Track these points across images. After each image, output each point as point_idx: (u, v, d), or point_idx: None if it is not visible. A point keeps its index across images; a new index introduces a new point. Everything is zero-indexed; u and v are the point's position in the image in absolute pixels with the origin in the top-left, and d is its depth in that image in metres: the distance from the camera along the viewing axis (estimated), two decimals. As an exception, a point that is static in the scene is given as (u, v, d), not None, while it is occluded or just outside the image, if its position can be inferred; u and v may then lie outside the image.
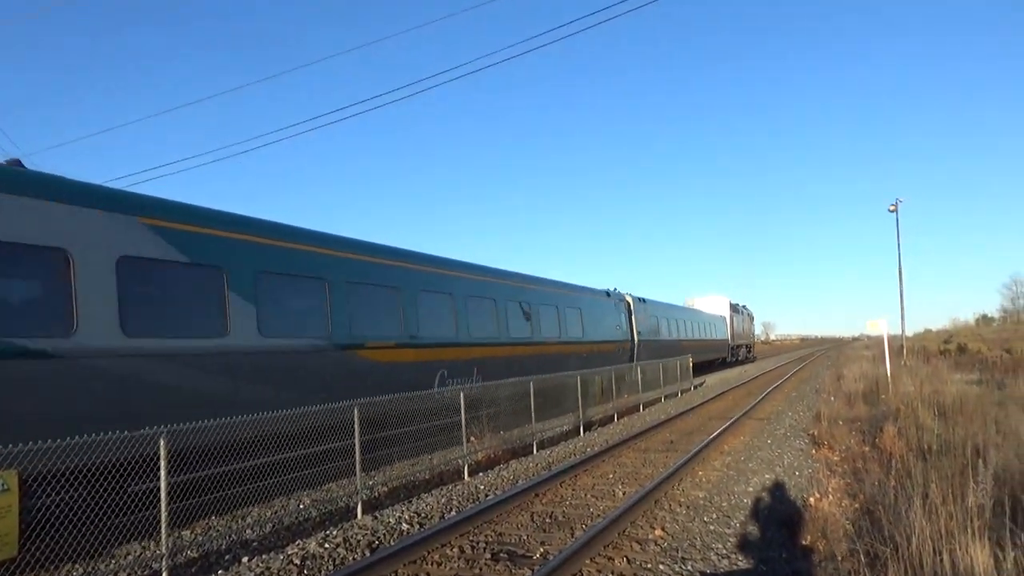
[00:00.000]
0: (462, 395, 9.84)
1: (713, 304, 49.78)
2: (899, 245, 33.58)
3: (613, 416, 18.20)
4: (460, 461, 10.88)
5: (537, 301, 17.72)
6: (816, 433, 13.81)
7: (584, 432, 15.87)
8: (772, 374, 38.11)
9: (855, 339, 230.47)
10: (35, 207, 5.51)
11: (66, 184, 6.21)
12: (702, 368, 43.56)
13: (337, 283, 10.01)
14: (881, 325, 21.24)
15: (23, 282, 5.20)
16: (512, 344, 15.91)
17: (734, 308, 54.19)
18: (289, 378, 8.51)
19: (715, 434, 13.83)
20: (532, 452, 13.00)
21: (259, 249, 8.62)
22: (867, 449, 11.10)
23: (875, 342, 77.13)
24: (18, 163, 6.76)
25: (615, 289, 26.67)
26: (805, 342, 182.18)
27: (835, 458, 11.29)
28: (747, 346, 59.63)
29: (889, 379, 19.83)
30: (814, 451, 12.22)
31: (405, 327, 11.56)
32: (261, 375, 8.02)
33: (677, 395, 25.12)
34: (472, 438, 11.65)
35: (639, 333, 28.46)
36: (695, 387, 28.43)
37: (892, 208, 32.87)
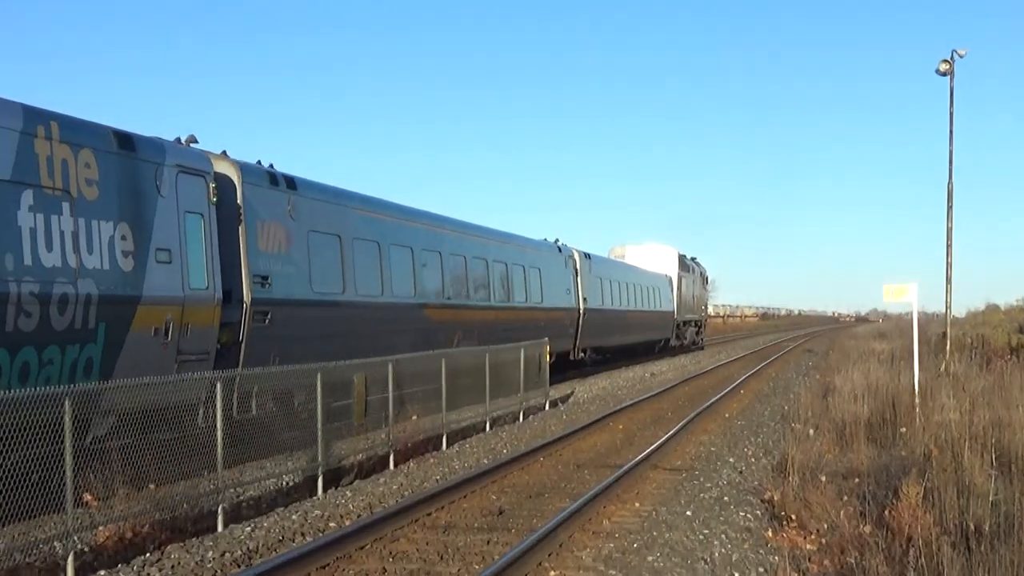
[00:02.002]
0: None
1: (654, 258, 59.86)
2: (952, 138, 36.75)
3: (388, 456, 18.67)
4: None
5: (501, 258, 33.40)
6: (777, 498, 14.92)
7: (323, 491, 16.20)
8: (702, 381, 40.80)
9: (850, 319, 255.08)
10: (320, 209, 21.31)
11: (333, 190, 22.43)
12: (623, 356, 51.49)
13: (417, 251, 25.80)
14: (910, 293, 23.47)
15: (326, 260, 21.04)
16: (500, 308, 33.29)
17: (683, 264, 64.44)
18: (396, 327, 23.55)
19: (587, 497, 14.58)
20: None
21: (386, 224, 24.12)
22: (868, 530, 12.20)
23: (893, 326, 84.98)
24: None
25: (559, 241, 40.58)
26: (770, 319, 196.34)
27: (809, 547, 12.31)
28: (697, 323, 71.43)
29: (917, 397, 22.02)
30: (771, 533, 13.20)
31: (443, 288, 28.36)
32: (420, 321, 24.82)
33: (519, 416, 26.37)
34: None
35: (585, 300, 41.61)
36: (549, 404, 29.98)
37: (945, 68, 36.05)
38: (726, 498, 15.46)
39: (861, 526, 12.29)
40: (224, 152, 19.34)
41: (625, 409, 28.19)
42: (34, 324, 13.85)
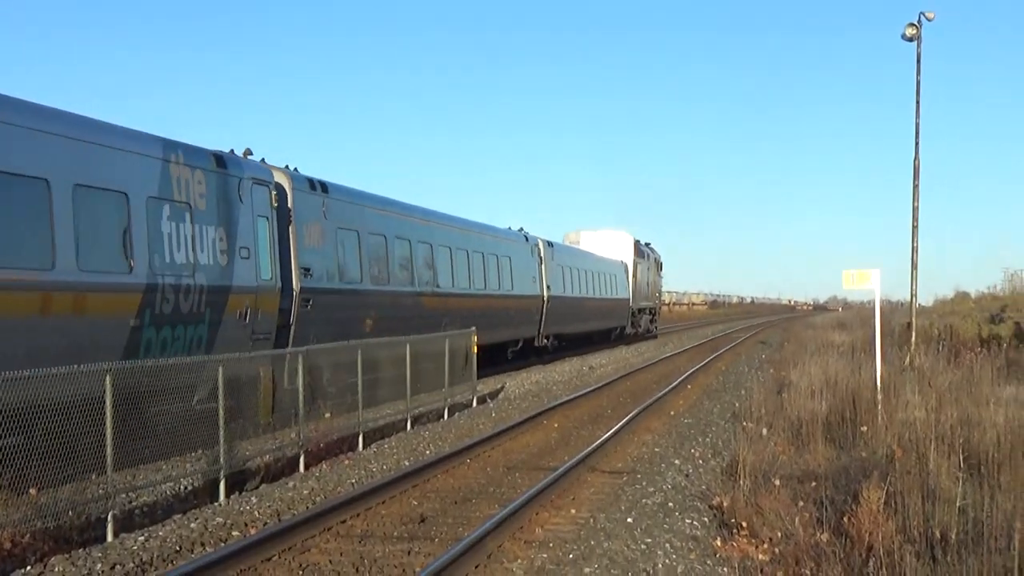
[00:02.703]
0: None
1: (610, 244, 66.13)
2: (918, 109, 37.17)
3: (298, 457, 18.63)
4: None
5: (480, 248, 39.37)
6: (726, 504, 15.06)
7: (225, 496, 16.16)
8: (645, 375, 41.09)
9: (807, 308, 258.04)
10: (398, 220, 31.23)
11: (353, 191, 28.93)
12: (581, 343, 56.72)
13: (414, 243, 32.55)
14: (872, 280, 23.76)
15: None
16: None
17: (638, 250, 70.93)
18: (398, 314, 29.92)
19: (518, 503, 14.68)
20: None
21: (390, 220, 30.83)
22: (825, 538, 12.35)
23: (854, 315, 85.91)
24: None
25: (523, 230, 47.33)
26: (720, 307, 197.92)
27: (761, 557, 12.43)
28: (651, 311, 78.27)
29: (879, 393, 22.29)
30: (720, 542, 13.32)
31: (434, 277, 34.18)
32: (418, 308, 31.92)
33: (443, 413, 26.48)
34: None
35: (549, 287, 47.85)
36: (477, 400, 30.15)
37: (912, 32, 36.45)
38: (671, 504, 15.60)
39: (818, 534, 12.46)
40: (293, 168, 25.73)
41: (561, 406, 28.38)
42: (170, 308, 19.41)
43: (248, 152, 23.92)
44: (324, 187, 26.64)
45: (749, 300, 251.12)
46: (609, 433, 22.15)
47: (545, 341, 48.61)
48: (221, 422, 16.29)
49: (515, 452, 20.97)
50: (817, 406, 21.95)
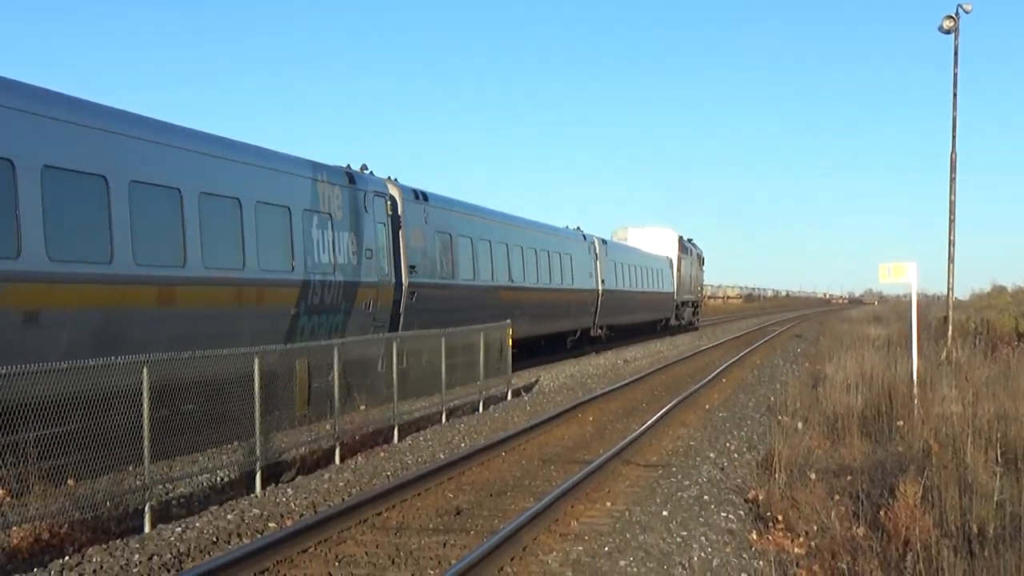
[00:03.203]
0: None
1: (656, 240, 71.13)
2: (955, 102, 36.94)
3: (334, 449, 18.67)
4: None
5: (546, 247, 44.03)
6: (762, 497, 15.07)
7: (261, 488, 16.21)
8: (680, 368, 41.01)
9: (842, 301, 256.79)
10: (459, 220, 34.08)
11: (446, 199, 33.61)
12: (629, 335, 61.67)
13: (494, 243, 37.56)
14: (909, 273, 23.63)
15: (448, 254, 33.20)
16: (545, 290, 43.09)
17: (682, 246, 75.86)
18: (481, 305, 34.22)
19: (553, 495, 14.70)
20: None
21: (475, 223, 35.96)
22: (862, 532, 12.31)
23: (890, 309, 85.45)
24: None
25: (578, 228, 52.47)
26: (755, 301, 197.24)
27: (797, 551, 12.40)
28: (694, 304, 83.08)
29: (915, 388, 22.18)
30: (755, 536, 13.32)
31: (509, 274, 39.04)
32: (496, 300, 36.60)
33: (479, 406, 26.55)
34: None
35: (603, 282, 52.56)
36: (512, 393, 30.17)
37: (949, 25, 36.21)
38: (706, 497, 15.60)
39: (854, 528, 12.42)
40: (393, 178, 30.32)
41: (596, 399, 28.39)
42: (318, 300, 24.13)
43: (364, 167, 28.64)
44: (424, 196, 31.62)
45: (784, 293, 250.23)
46: (644, 426, 22.15)
47: (599, 331, 53.39)
48: (257, 414, 16.33)
49: (550, 445, 20.98)
50: (853, 400, 21.85)
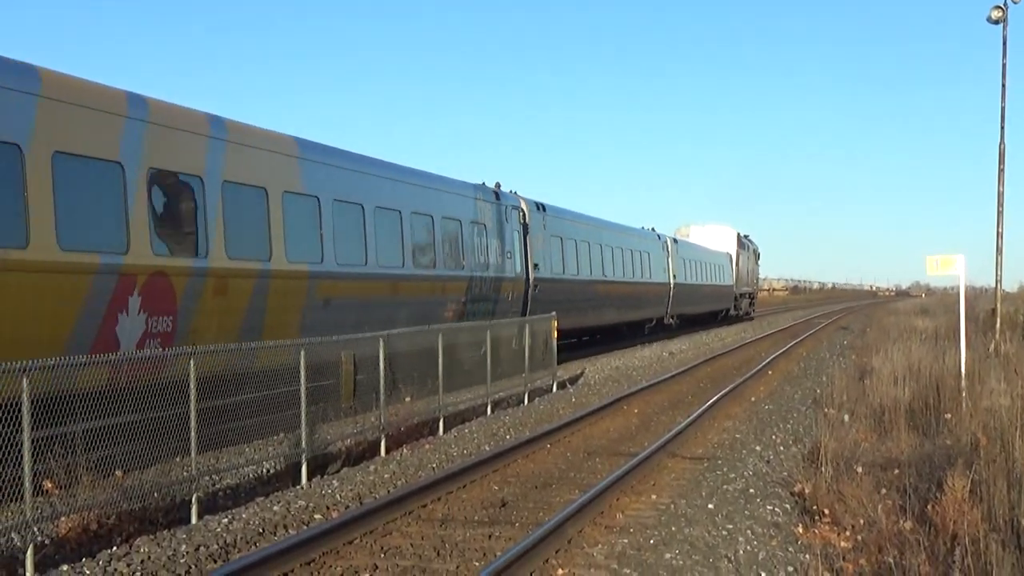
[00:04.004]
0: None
1: (716, 237, 79.18)
2: (1004, 93, 36.65)
3: (379, 441, 18.73)
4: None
5: (630, 246, 51.01)
6: (808, 491, 14.94)
7: (307, 480, 16.28)
8: (725, 361, 40.89)
9: (889, 293, 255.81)
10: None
11: (562, 210, 42.02)
12: (693, 324, 68.20)
13: (592, 244, 45.10)
14: (957, 265, 23.45)
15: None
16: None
17: (740, 242, 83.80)
18: (585, 297, 43.44)
19: (598, 488, 14.69)
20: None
21: (579, 227, 43.95)
22: (909, 526, 12.16)
23: (937, 301, 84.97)
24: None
25: (652, 229, 59.35)
26: (801, 293, 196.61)
27: (844, 545, 12.34)
28: (750, 295, 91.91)
29: (963, 380, 22.02)
30: (801, 529, 13.24)
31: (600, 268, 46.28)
32: (595, 292, 44.98)
33: (524, 398, 26.59)
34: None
35: (675, 276, 59.83)
36: (557, 385, 30.24)
37: (997, 15, 35.85)
38: (752, 490, 15.55)
39: (901, 522, 12.31)
40: (515, 192, 37.12)
41: (641, 391, 28.38)
42: (477, 292, 31.33)
43: (498, 184, 35.20)
44: (543, 208, 38.86)
45: (830, 286, 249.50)
46: (689, 419, 22.10)
47: (671, 320, 61.14)
48: (303, 406, 16.40)
49: (595, 437, 20.97)
50: (899, 393, 21.67)
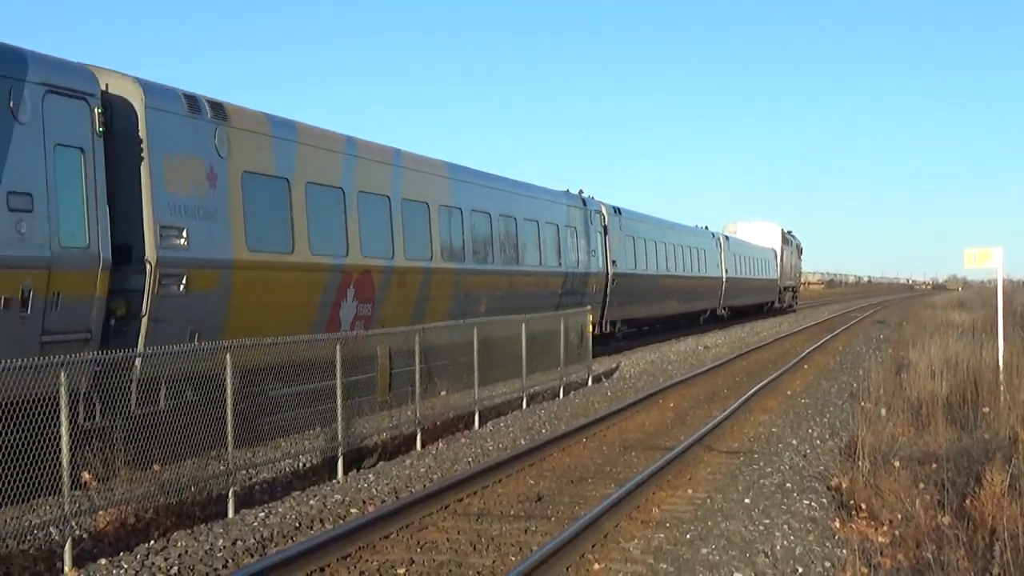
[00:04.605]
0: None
1: (761, 233, 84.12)
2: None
3: (415, 435, 18.75)
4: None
5: (688, 243, 56.52)
6: (845, 485, 14.92)
7: (343, 474, 16.33)
8: (761, 354, 40.76)
9: (926, 287, 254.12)
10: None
11: (635, 213, 47.55)
12: (741, 316, 72.34)
13: (659, 243, 50.42)
14: (995, 258, 23.28)
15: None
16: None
17: (784, 239, 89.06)
18: (654, 291, 49.13)
19: (634, 482, 14.65)
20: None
21: (650, 228, 49.69)
22: (947, 521, 12.10)
23: (974, 295, 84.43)
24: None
25: (706, 227, 66.16)
26: (836, 287, 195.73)
27: (881, 540, 12.24)
28: (793, 289, 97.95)
29: (1002, 374, 21.84)
30: (838, 524, 13.19)
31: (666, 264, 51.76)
32: (661, 285, 50.46)
33: (559, 392, 26.58)
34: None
35: (727, 271, 64.60)
36: (592, 379, 30.21)
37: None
38: (788, 484, 15.49)
39: (939, 516, 12.25)
40: (593, 197, 41.25)
41: (676, 385, 28.35)
42: (570, 286, 35.83)
43: (581, 191, 40.15)
44: (619, 211, 43.56)
45: (866, 279, 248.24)
46: (725, 413, 22.06)
47: (723, 311, 65.42)
48: (339, 400, 16.43)
49: (631, 431, 20.93)
50: (937, 387, 21.56)
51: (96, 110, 15.43)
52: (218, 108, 18.54)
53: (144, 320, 16.18)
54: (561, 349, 27.24)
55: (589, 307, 32.25)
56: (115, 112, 16.14)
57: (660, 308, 50.77)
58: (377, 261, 23.19)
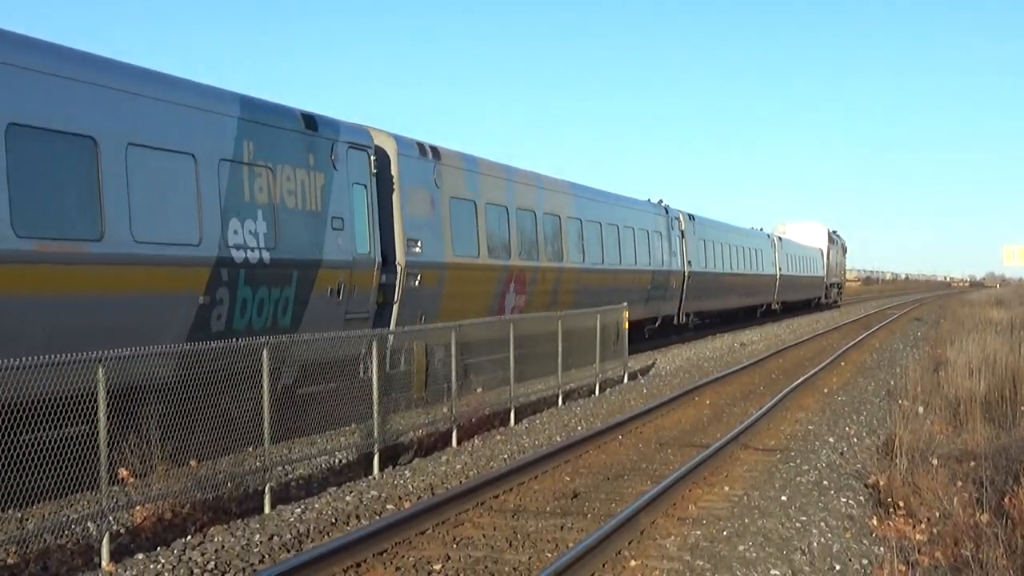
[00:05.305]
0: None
1: (808, 234, 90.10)
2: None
3: (451, 432, 18.78)
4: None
5: (747, 244, 63.14)
6: (882, 483, 14.84)
7: (379, 470, 16.32)
8: (797, 352, 40.65)
9: (963, 284, 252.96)
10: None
11: (712, 221, 55.05)
12: (790, 311, 78.03)
13: (727, 245, 57.61)
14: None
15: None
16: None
17: (830, 238, 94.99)
18: (727, 288, 57.44)
19: (671, 479, 14.64)
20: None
21: (721, 231, 57.30)
22: (985, 519, 12.04)
23: (1012, 292, 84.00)
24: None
25: (761, 229, 72.92)
26: (873, 284, 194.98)
27: (919, 537, 12.18)
28: (838, 286, 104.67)
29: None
30: (876, 522, 13.14)
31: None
32: (727, 282, 57.92)
33: (595, 389, 26.57)
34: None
35: (780, 269, 70.55)
36: (628, 376, 30.22)
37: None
38: (825, 482, 15.43)
39: (977, 515, 12.20)
40: (669, 205, 46.53)
41: (712, 382, 28.31)
42: (656, 282, 42.02)
43: (661, 200, 45.56)
44: (693, 217, 48.83)
45: (903, 277, 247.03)
46: (762, 410, 22.01)
47: (777, 306, 71.55)
48: (375, 396, 16.46)
49: (667, 428, 20.92)
50: (975, 385, 21.45)
51: (371, 158, 21.65)
52: (435, 151, 24.71)
53: (395, 306, 22.03)
54: (597, 346, 27.16)
55: (626, 304, 32.13)
56: (379, 159, 22.02)
57: (725, 302, 56.78)
58: (528, 263, 29.59)
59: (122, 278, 15.01)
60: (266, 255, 17.95)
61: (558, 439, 19.27)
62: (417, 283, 22.89)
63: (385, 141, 22.69)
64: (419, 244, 23.13)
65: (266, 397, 13.97)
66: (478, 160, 27.73)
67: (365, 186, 21.34)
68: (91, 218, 14.64)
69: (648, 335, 42.89)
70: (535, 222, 30.38)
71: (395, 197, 22.55)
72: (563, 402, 24.37)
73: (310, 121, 19.87)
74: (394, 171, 22.65)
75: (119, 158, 15.03)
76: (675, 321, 46.02)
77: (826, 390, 27.35)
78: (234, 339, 14.22)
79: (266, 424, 13.98)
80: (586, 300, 31.83)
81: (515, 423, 21.11)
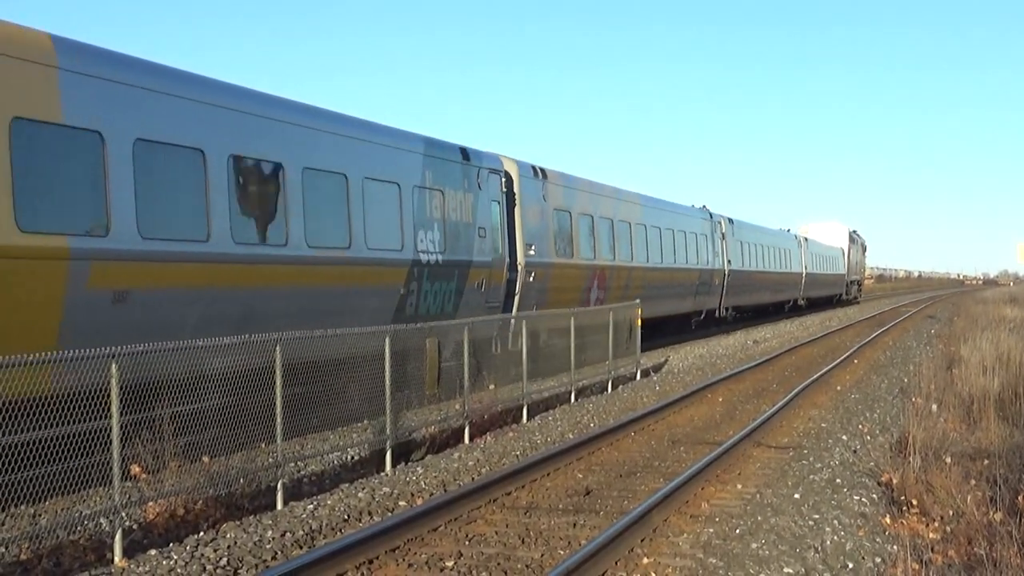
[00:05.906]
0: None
1: (829, 233, 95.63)
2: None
3: (463, 429, 18.77)
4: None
5: (777, 244, 70.09)
6: (896, 481, 14.82)
7: (391, 467, 16.32)
8: (810, 349, 40.60)
9: (976, 282, 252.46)
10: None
11: (746, 223, 59.98)
12: (815, 307, 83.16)
13: (757, 244, 62.90)
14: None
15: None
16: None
17: (851, 238, 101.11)
18: (759, 286, 63.80)
19: (683, 477, 14.62)
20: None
21: (752, 232, 62.49)
22: (999, 517, 12.01)
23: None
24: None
25: (788, 230, 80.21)
26: (886, 282, 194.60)
27: (932, 536, 12.15)
28: (858, 283, 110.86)
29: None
30: (889, 520, 13.10)
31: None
32: (763, 280, 65.13)
33: (607, 386, 26.55)
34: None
35: (805, 267, 76.23)
36: (641, 373, 30.20)
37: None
38: (838, 480, 15.38)
39: (991, 513, 12.17)
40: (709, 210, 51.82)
41: (725, 380, 28.29)
42: (702, 279, 47.98)
43: (704, 206, 50.33)
44: (732, 221, 53.73)
45: (916, 274, 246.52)
46: (775, 408, 21.98)
47: (802, 301, 76.63)
48: (388, 393, 16.47)
49: (679, 426, 20.91)
50: (989, 382, 21.41)
51: (502, 179, 27.46)
52: (543, 171, 30.44)
53: (517, 298, 27.67)
54: (610, 343, 27.19)
55: (638, 300, 32.48)
56: (506, 180, 27.78)
57: (759, 298, 62.28)
58: (608, 263, 35.18)
59: (365, 275, 20.81)
60: (440, 257, 23.62)
61: (570, 436, 19.27)
62: (532, 279, 28.53)
63: (509, 165, 28.31)
64: (533, 248, 28.71)
65: (278, 393, 14.00)
66: (572, 177, 33.45)
67: (498, 202, 27.22)
68: (344, 232, 20.20)
69: (694, 326, 48.72)
70: (612, 228, 35.95)
71: (517, 211, 28.22)
72: (575, 399, 24.33)
73: (465, 153, 25.57)
74: (516, 189, 28.32)
75: (359, 190, 20.62)
76: (716, 314, 51.38)
77: (839, 388, 27.29)
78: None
79: (279, 420, 14.00)
80: (650, 294, 37.21)
81: (527, 420, 21.11)
